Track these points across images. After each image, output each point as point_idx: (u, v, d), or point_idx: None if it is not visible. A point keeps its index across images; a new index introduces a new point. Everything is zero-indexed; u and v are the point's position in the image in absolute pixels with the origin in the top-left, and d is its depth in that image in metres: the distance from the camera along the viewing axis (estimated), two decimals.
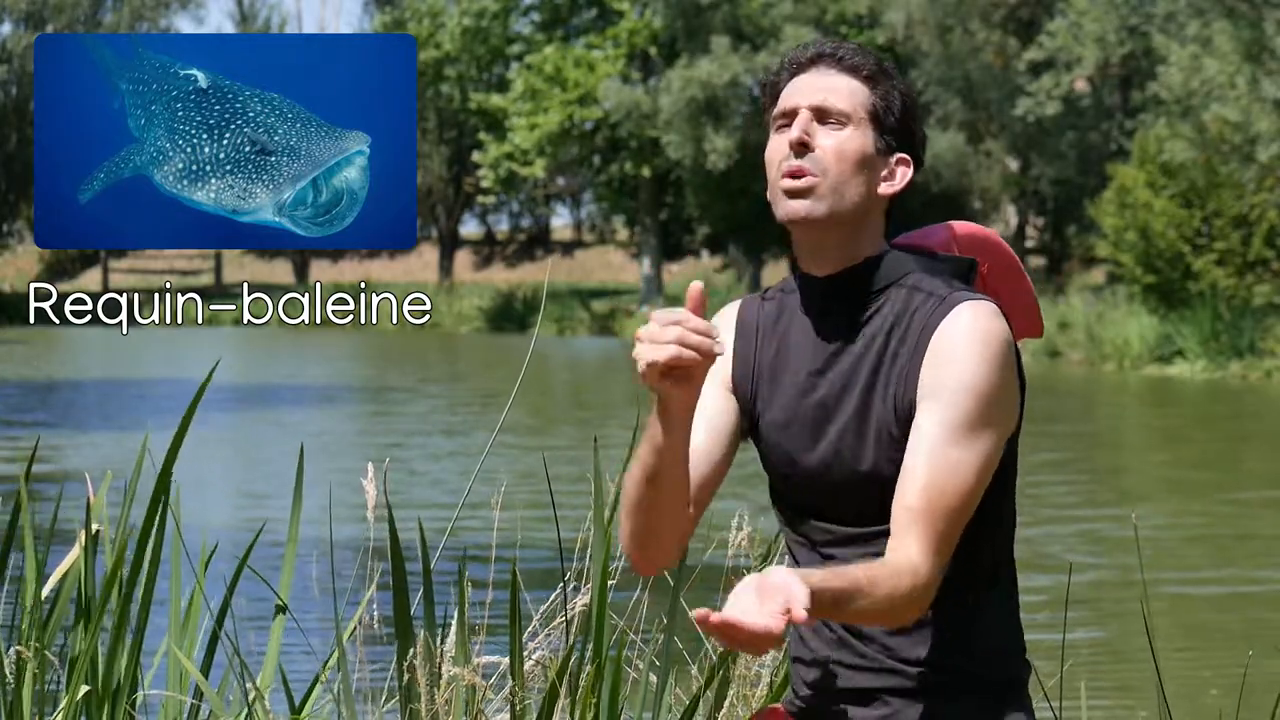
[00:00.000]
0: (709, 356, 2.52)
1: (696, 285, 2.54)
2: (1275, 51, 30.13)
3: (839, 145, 2.74)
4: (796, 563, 2.82)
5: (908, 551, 2.62)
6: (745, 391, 2.84)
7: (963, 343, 2.67)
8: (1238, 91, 30.13)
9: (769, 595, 2.35)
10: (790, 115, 2.77)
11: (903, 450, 2.68)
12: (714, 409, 2.83)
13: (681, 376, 2.55)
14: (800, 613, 2.31)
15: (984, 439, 2.65)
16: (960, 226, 2.95)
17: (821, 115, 2.75)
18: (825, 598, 2.48)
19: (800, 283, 2.82)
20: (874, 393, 2.72)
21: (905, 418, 2.69)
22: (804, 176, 2.73)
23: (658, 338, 2.52)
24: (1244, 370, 29.65)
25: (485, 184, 51.35)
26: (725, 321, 2.90)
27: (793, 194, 2.73)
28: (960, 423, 2.64)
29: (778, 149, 2.77)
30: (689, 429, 2.65)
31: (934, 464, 2.64)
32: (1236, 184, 31.92)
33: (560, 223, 69.31)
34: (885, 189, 2.78)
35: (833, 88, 2.76)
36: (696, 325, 2.51)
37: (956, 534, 2.65)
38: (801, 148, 2.73)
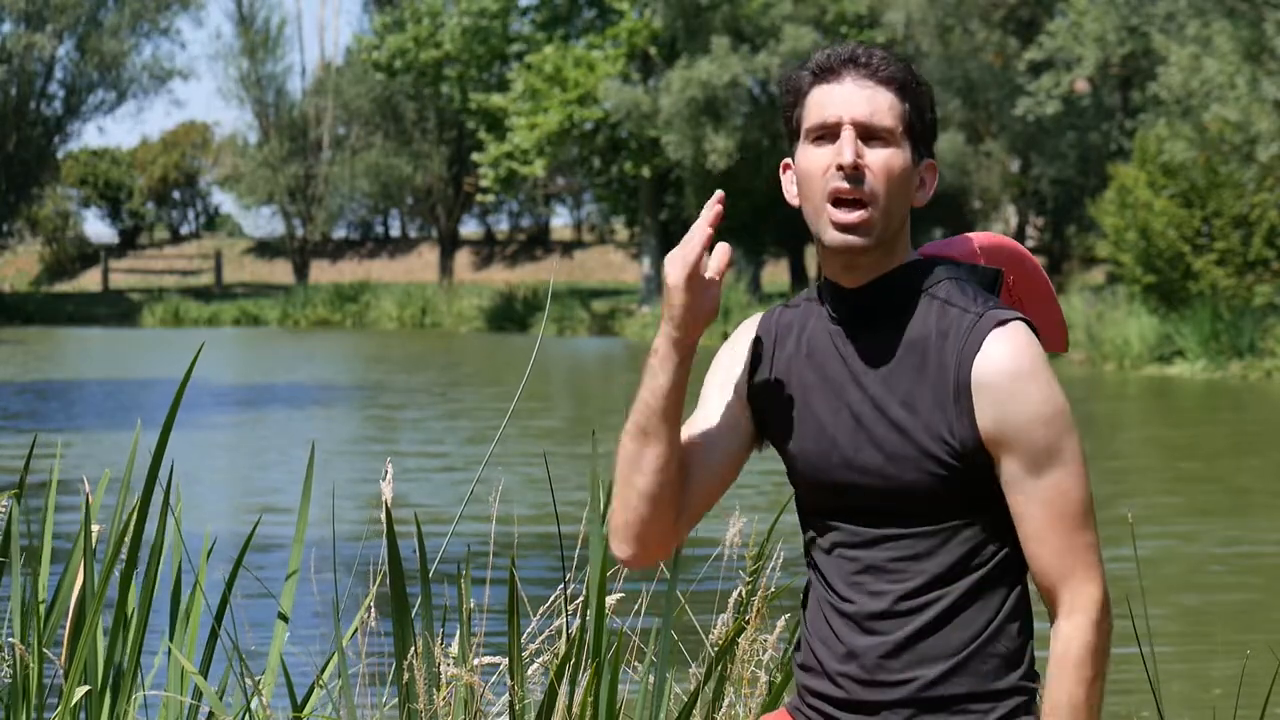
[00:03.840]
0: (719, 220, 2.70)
1: (719, 194, 2.67)
2: (1275, 51, 30.12)
3: (886, 165, 2.69)
4: (816, 566, 2.83)
5: (1070, 603, 2.68)
6: (761, 400, 2.84)
7: (1014, 378, 2.67)
8: (1238, 91, 30.11)
9: None
10: (832, 129, 2.70)
11: (939, 462, 2.69)
12: (724, 421, 2.83)
13: (699, 286, 2.69)
14: None
15: (1069, 445, 2.70)
16: (982, 238, 2.93)
17: (867, 133, 2.69)
18: None
19: (828, 293, 2.80)
20: (910, 405, 2.71)
21: (957, 444, 2.69)
22: (859, 208, 2.68)
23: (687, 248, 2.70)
24: (1244, 370, 29.63)
25: (485, 184, 51.32)
26: (744, 335, 2.90)
27: (845, 228, 2.69)
28: (1046, 449, 2.68)
29: (819, 164, 2.71)
30: (686, 378, 2.74)
31: (1046, 498, 2.68)
32: (1236, 184, 31.91)
33: (560, 223, 69.35)
34: (919, 199, 2.76)
35: (876, 104, 2.69)
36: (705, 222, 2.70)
37: (1097, 535, 2.70)
38: (856, 171, 2.68)
